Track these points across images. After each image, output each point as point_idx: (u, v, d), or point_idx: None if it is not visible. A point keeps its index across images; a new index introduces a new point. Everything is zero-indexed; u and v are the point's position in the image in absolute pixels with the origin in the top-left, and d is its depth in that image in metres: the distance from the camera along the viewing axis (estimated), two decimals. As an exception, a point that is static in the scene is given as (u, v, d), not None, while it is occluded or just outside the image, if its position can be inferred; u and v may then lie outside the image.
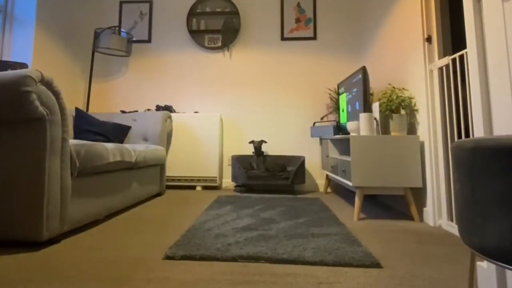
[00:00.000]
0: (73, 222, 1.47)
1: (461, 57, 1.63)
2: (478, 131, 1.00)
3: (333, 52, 3.22)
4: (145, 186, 2.33)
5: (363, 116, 1.95)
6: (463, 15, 1.08)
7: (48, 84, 1.34)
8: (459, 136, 1.97)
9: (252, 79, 3.27)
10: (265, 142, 2.99)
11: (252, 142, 2.94)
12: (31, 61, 2.61)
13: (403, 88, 2.09)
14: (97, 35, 3.08)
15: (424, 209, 1.85)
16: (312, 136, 2.90)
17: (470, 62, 1.04)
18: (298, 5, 3.27)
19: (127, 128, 2.65)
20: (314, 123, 3.12)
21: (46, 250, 1.26)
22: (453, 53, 1.76)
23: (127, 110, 3.31)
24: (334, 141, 2.62)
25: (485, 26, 0.99)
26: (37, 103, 1.25)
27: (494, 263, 0.58)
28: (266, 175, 2.75)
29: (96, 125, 2.48)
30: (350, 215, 1.96)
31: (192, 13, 3.31)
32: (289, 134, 3.19)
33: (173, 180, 2.96)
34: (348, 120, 2.48)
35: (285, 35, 3.26)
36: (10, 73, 1.25)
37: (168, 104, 3.29)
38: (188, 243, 1.33)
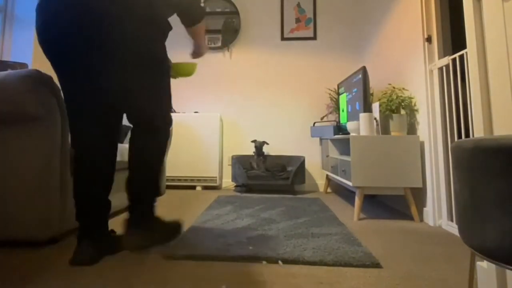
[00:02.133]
0: (73, 222, 1.47)
1: (461, 57, 1.62)
2: (478, 131, 1.00)
3: (333, 52, 3.22)
4: (145, 186, 2.32)
5: (363, 116, 1.95)
6: (463, 15, 1.08)
7: (48, 84, 1.34)
8: (459, 136, 1.97)
9: (252, 79, 3.27)
10: (267, 143, 2.99)
11: (254, 141, 2.93)
12: (31, 61, 2.61)
13: (403, 88, 2.09)
14: (97, 35, 3.08)
15: (424, 209, 1.85)
16: (312, 136, 2.90)
17: (470, 62, 1.04)
18: (298, 5, 3.27)
19: (127, 128, 2.64)
20: (314, 123, 3.12)
21: (46, 250, 1.26)
22: (453, 53, 1.76)
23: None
24: (334, 141, 2.62)
25: (485, 26, 0.99)
26: (37, 103, 1.25)
27: (494, 263, 0.58)
28: (266, 175, 2.75)
29: (96, 125, 2.48)
30: (350, 215, 1.96)
31: (192, 13, 3.30)
32: (289, 134, 3.19)
33: (173, 180, 2.96)
34: (348, 120, 2.48)
35: (285, 35, 3.26)
36: (10, 73, 1.25)
37: (168, 104, 3.29)
38: (188, 243, 1.33)
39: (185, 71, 1.50)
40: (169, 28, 1.28)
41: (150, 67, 1.20)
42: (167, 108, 1.32)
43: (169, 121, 1.32)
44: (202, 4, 1.42)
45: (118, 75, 1.15)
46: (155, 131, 1.26)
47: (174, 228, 1.33)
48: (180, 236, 1.43)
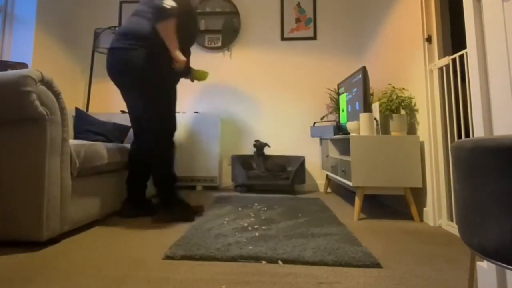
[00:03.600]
0: (73, 222, 1.47)
1: (461, 57, 1.63)
2: (478, 131, 1.00)
3: (333, 52, 3.22)
4: (145, 186, 2.32)
5: (363, 116, 1.95)
6: (463, 15, 1.08)
7: (48, 84, 1.34)
8: (459, 136, 1.98)
9: (252, 79, 3.27)
10: (269, 146, 2.99)
11: (256, 141, 2.93)
12: (31, 61, 2.61)
13: (403, 88, 2.09)
14: (97, 35, 3.08)
15: (424, 209, 1.85)
16: (312, 136, 2.90)
17: (470, 62, 1.04)
18: (298, 5, 3.27)
19: (127, 128, 2.64)
20: (314, 123, 3.12)
21: (46, 250, 1.26)
22: (453, 53, 1.76)
23: (127, 110, 3.30)
24: (334, 141, 2.62)
25: (485, 26, 0.99)
26: (37, 103, 1.25)
27: (494, 263, 0.58)
28: (266, 175, 2.75)
29: (96, 125, 2.48)
30: (350, 215, 1.96)
31: (192, 13, 3.30)
32: (289, 134, 3.19)
33: (173, 180, 2.95)
34: (348, 120, 2.48)
35: (285, 35, 3.26)
36: (10, 73, 1.25)
37: (168, 104, 3.28)
38: (188, 243, 1.34)
39: (199, 76, 2.05)
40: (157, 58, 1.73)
41: (145, 90, 1.74)
42: (158, 115, 1.77)
43: (159, 125, 1.78)
44: (166, 4, 1.62)
45: (131, 97, 1.82)
46: (148, 136, 1.77)
47: (195, 210, 1.87)
48: (182, 234, 1.44)
